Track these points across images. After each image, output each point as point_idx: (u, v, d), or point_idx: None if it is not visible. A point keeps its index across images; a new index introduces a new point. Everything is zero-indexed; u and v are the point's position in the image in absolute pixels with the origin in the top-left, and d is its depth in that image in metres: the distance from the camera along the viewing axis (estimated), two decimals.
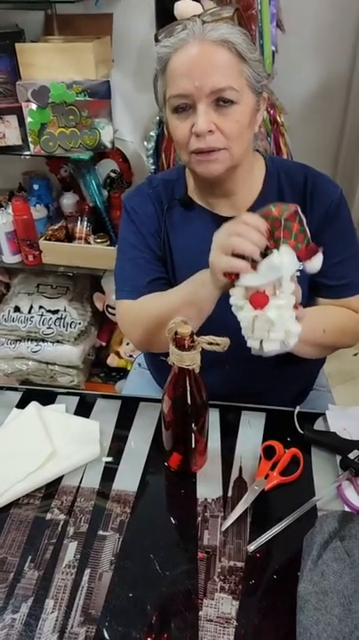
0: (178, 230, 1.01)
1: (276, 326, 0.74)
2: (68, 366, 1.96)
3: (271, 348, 0.75)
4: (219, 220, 0.99)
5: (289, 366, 1.05)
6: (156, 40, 0.88)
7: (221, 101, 0.83)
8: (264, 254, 0.74)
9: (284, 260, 0.73)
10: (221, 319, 0.93)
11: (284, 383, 1.08)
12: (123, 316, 1.03)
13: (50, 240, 1.80)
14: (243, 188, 0.97)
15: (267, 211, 0.75)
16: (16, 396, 1.03)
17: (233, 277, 0.76)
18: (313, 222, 0.97)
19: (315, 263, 0.76)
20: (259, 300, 0.74)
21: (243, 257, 0.74)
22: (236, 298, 0.76)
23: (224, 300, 0.80)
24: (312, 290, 1.02)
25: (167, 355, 0.76)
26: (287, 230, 0.73)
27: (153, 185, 1.04)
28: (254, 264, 0.74)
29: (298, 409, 0.95)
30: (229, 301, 0.77)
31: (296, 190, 0.98)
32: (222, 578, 0.71)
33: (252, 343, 0.76)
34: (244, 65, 0.84)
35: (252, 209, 0.98)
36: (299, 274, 0.76)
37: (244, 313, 0.75)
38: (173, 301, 0.91)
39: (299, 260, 0.75)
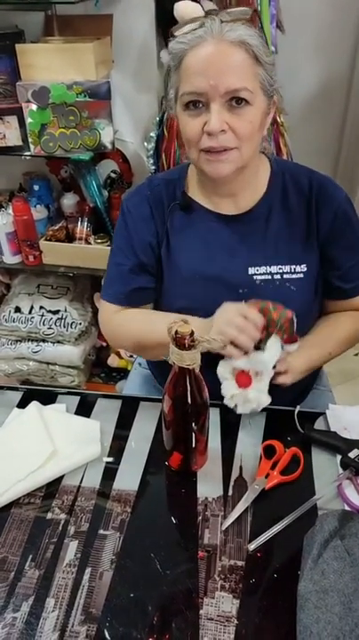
0: (178, 232, 1.01)
1: (252, 402, 0.89)
2: (69, 366, 1.96)
3: (243, 411, 0.90)
4: (222, 219, 0.99)
5: None
6: (171, 36, 0.87)
7: (235, 102, 0.83)
8: (256, 345, 0.86)
9: (270, 355, 0.87)
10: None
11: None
12: (106, 320, 1.07)
13: (50, 240, 1.80)
14: (248, 188, 0.98)
15: (267, 309, 0.86)
16: (17, 396, 1.03)
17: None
18: (321, 226, 0.98)
19: (293, 347, 0.92)
20: (243, 380, 0.88)
21: None
22: (224, 371, 0.89)
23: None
24: (323, 291, 1.04)
25: (167, 354, 0.76)
26: (280, 331, 0.87)
27: (154, 184, 1.04)
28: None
29: (298, 408, 0.95)
30: (217, 371, 0.89)
31: (301, 193, 0.99)
32: (223, 577, 0.72)
33: (228, 402, 0.90)
34: (259, 67, 0.84)
35: (256, 209, 0.99)
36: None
37: (228, 386, 0.89)
38: (154, 335, 0.94)
39: (282, 345, 0.89)
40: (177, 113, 0.91)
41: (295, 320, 0.87)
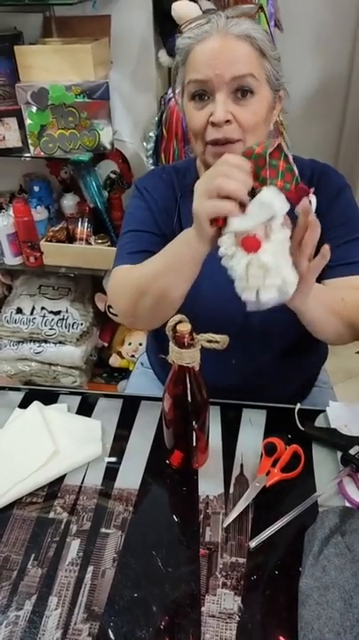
0: (186, 222, 1.01)
1: (272, 271, 0.68)
2: (71, 367, 1.96)
3: (268, 296, 0.69)
4: None
5: (291, 358, 1.05)
6: (179, 32, 0.89)
7: (240, 92, 0.84)
8: (251, 195, 0.68)
9: (270, 193, 0.67)
10: (226, 316, 0.93)
11: (286, 377, 1.08)
12: (111, 283, 0.99)
13: (51, 241, 1.81)
14: None
15: (249, 150, 0.70)
16: (18, 396, 1.04)
17: (220, 224, 0.71)
18: (318, 207, 0.96)
19: (311, 202, 0.69)
20: (250, 243, 0.68)
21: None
22: (226, 246, 0.70)
23: (230, 296, 0.74)
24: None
25: (166, 352, 0.76)
26: (273, 169, 0.68)
27: (165, 170, 1.05)
28: (242, 208, 0.68)
29: (298, 406, 0.95)
30: (219, 252, 0.72)
31: (303, 176, 0.98)
32: (224, 574, 0.72)
33: (248, 295, 0.70)
34: (265, 60, 0.86)
35: None
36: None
37: (236, 260, 0.69)
38: (155, 266, 0.86)
39: (290, 202, 0.68)
40: (184, 106, 0.91)
41: (289, 153, 0.68)
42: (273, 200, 0.67)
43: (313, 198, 0.70)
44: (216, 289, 0.91)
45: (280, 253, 0.69)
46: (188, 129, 0.92)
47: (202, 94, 0.85)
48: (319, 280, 0.97)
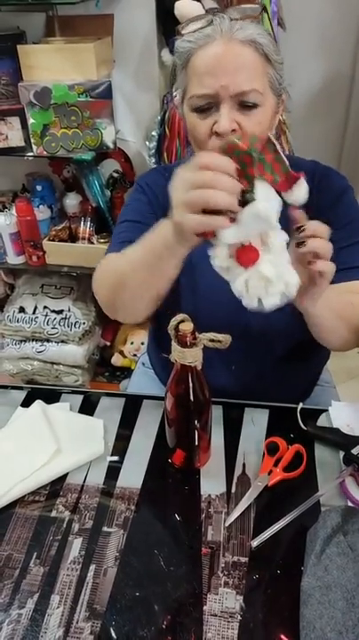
0: None
1: (274, 282, 0.64)
2: (73, 366, 1.97)
3: (271, 302, 0.65)
4: None
5: (292, 363, 1.05)
6: (178, 34, 0.85)
7: (244, 104, 0.82)
8: (241, 200, 0.62)
9: (264, 195, 0.61)
10: (226, 322, 0.92)
11: (289, 381, 1.07)
12: (97, 271, 0.95)
13: (53, 240, 1.81)
14: None
15: (232, 145, 0.61)
16: (21, 395, 1.04)
17: (209, 236, 0.65)
18: (320, 210, 0.94)
19: (298, 193, 0.65)
20: (247, 256, 0.63)
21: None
22: (220, 260, 0.65)
23: (230, 301, 0.72)
24: None
25: (169, 352, 0.76)
26: (261, 164, 0.62)
27: (168, 170, 1.03)
28: (232, 217, 0.62)
29: (301, 405, 0.95)
30: (212, 265, 0.67)
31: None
32: (226, 573, 0.72)
33: (249, 302, 0.66)
34: (269, 66, 0.83)
35: None
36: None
37: (233, 275, 0.65)
38: (134, 259, 0.82)
39: (279, 193, 0.64)
40: (184, 113, 0.89)
41: (276, 142, 0.63)
42: (269, 212, 0.62)
43: (303, 184, 0.65)
44: (215, 294, 0.87)
45: (279, 259, 0.65)
46: (190, 135, 0.89)
47: (206, 108, 0.82)
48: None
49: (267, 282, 0.64)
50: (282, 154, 0.63)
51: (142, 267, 0.80)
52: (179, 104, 0.91)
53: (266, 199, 0.62)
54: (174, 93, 0.92)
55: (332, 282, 0.93)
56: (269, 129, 0.88)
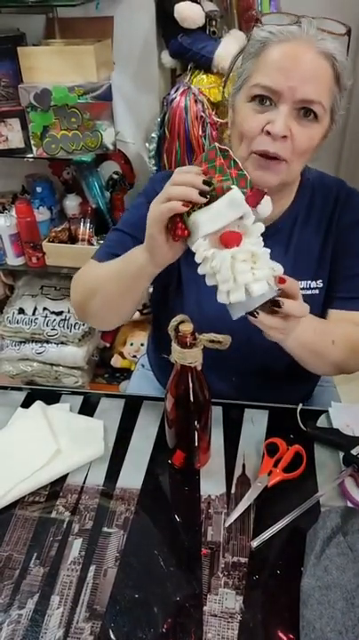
0: None
1: (261, 260, 0.66)
2: (73, 367, 1.97)
3: (259, 289, 0.66)
4: None
5: (294, 377, 1.02)
6: (257, 21, 0.82)
7: (304, 112, 0.79)
8: (214, 196, 0.67)
9: (233, 194, 0.65)
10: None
11: (289, 392, 1.07)
12: (76, 274, 1.01)
13: (53, 242, 1.81)
14: (278, 202, 0.92)
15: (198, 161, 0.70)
16: (21, 396, 1.04)
17: (185, 234, 0.70)
18: (339, 228, 0.95)
19: (265, 208, 0.70)
20: (231, 237, 0.66)
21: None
22: (203, 249, 0.68)
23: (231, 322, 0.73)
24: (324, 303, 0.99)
25: (169, 353, 0.77)
26: (220, 175, 0.67)
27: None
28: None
29: (301, 406, 0.96)
30: (196, 259, 0.70)
31: (326, 205, 0.96)
32: (226, 573, 0.72)
33: (237, 295, 0.67)
34: (336, 88, 0.81)
35: (280, 222, 0.95)
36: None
37: (218, 259, 0.66)
38: (108, 271, 0.89)
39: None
40: (236, 102, 0.85)
41: (234, 157, 0.69)
42: (242, 198, 0.66)
43: (268, 199, 0.70)
44: (219, 315, 0.83)
45: (260, 242, 0.68)
46: (235, 128, 0.85)
47: (264, 99, 0.79)
48: (324, 307, 0.97)
49: (255, 261, 0.67)
50: (244, 170, 0.69)
51: (113, 280, 0.88)
52: (234, 91, 0.86)
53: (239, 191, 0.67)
54: (229, 79, 0.87)
55: (335, 307, 0.96)
56: (315, 151, 0.85)
